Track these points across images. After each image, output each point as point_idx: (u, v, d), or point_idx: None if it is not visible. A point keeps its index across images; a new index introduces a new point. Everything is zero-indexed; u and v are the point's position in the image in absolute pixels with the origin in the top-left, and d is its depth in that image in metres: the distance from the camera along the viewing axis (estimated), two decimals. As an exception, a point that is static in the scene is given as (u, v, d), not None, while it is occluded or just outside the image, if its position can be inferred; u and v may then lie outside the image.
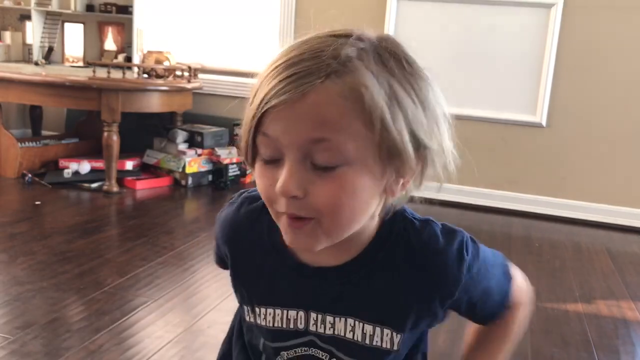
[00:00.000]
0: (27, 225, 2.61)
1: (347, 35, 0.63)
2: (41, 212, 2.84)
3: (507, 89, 3.30)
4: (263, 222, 0.74)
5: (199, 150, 3.45)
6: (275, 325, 0.75)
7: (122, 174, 3.30)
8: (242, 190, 0.80)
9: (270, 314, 0.75)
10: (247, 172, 3.50)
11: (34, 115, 3.92)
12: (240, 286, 0.78)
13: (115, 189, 3.16)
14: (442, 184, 0.69)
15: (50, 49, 3.88)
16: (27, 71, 3.32)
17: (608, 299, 2.26)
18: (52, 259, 2.22)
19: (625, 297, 2.28)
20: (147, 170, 3.48)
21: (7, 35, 3.88)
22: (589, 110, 3.22)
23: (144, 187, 3.30)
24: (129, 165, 3.41)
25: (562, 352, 1.80)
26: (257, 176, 0.65)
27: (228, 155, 3.46)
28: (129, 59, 3.68)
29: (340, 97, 0.59)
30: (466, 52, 3.31)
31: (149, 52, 3.52)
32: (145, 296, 1.95)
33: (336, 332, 0.72)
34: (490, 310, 0.79)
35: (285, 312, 0.74)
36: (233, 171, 3.47)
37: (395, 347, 0.72)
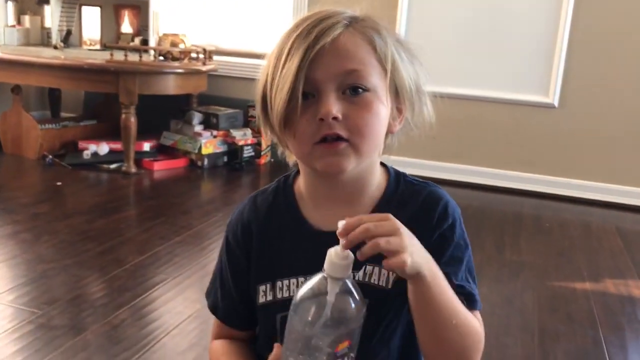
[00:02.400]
0: (49, 206, 2.70)
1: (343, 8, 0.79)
2: (62, 193, 2.92)
3: (519, 70, 3.32)
4: (280, 202, 0.86)
5: (215, 132, 3.52)
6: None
7: (140, 155, 3.37)
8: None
9: (293, 284, 0.82)
10: (262, 153, 3.56)
11: (53, 98, 4.00)
12: (265, 267, 0.84)
13: (133, 169, 3.23)
14: (428, 120, 0.84)
15: (69, 33, 3.94)
16: (46, 54, 3.39)
17: (615, 277, 2.30)
18: (75, 238, 2.30)
19: (633, 276, 2.32)
20: (164, 151, 3.55)
21: (26, 19, 3.95)
22: (601, 91, 3.23)
23: (161, 168, 3.37)
24: (147, 146, 3.48)
25: (567, 329, 1.86)
26: (299, 117, 0.74)
27: (243, 137, 3.52)
28: (145, 41, 3.73)
29: (362, 39, 0.76)
30: (478, 32, 3.33)
31: (165, 35, 3.57)
32: (165, 274, 2.02)
33: (365, 280, 0.80)
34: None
35: (307, 279, 0.78)
36: (248, 152, 3.53)
37: (389, 286, 0.79)
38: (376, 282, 0.80)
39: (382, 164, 0.86)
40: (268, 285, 0.84)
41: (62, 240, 2.27)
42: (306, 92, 0.74)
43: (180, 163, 3.47)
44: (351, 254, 0.68)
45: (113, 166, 3.30)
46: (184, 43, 3.54)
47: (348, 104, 0.74)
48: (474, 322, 0.78)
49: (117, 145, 3.36)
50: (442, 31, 3.36)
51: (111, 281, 1.96)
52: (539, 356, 1.67)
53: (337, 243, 0.72)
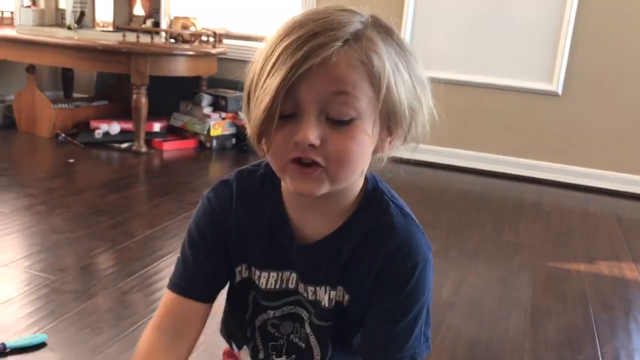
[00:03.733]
0: (62, 181, 2.79)
1: (346, 10, 0.72)
2: (75, 169, 3.01)
3: (523, 57, 3.36)
4: (266, 192, 0.83)
5: (223, 114, 3.59)
6: (270, 287, 0.84)
7: (150, 135, 3.45)
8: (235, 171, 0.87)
9: (265, 277, 0.84)
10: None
11: (66, 78, 4.08)
12: (242, 249, 0.84)
13: (143, 149, 3.31)
14: (419, 144, 0.79)
15: (82, 14, 4.01)
16: (60, 35, 3.47)
17: (610, 260, 2.37)
18: (87, 211, 2.39)
19: (628, 259, 2.38)
20: (173, 132, 3.63)
21: (41, 1, 4.02)
22: (605, 79, 3.27)
23: (171, 148, 3.45)
24: (157, 127, 3.56)
25: (559, 306, 1.92)
26: (273, 133, 0.70)
27: (251, 119, 3.59)
28: (156, 24, 3.79)
29: (356, 60, 0.68)
30: (483, 19, 3.37)
31: (176, 18, 3.64)
32: (174, 246, 2.10)
33: (317, 298, 0.83)
34: (387, 342, 0.79)
35: (281, 273, 0.84)
36: (256, 134, 3.60)
37: (345, 304, 0.82)
38: (321, 302, 0.82)
39: None
40: (244, 266, 0.85)
41: (75, 213, 2.36)
42: (285, 111, 0.69)
43: (189, 144, 3.54)
44: None
45: (124, 145, 3.38)
46: (195, 26, 3.61)
47: (329, 130, 0.70)
48: None
49: (128, 125, 3.44)
50: (448, 18, 3.41)
51: (122, 252, 2.04)
52: (529, 330, 1.74)
53: (309, 251, 0.78)
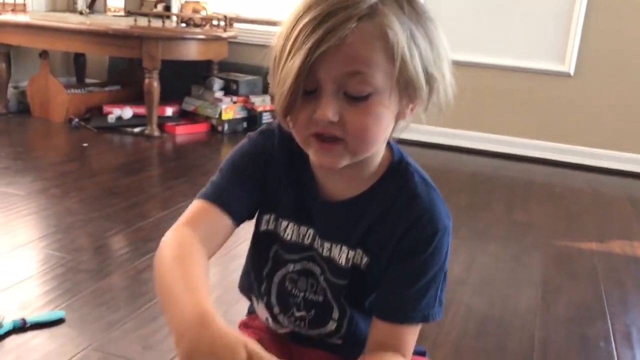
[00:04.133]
0: (76, 165, 2.82)
1: None
2: (88, 153, 3.04)
3: (535, 38, 3.35)
4: (294, 153, 0.85)
5: (234, 98, 3.61)
6: (292, 239, 0.88)
7: (163, 119, 3.47)
8: (267, 124, 0.91)
9: (288, 227, 0.88)
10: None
11: (78, 64, 4.11)
12: (274, 197, 0.88)
13: (156, 133, 3.34)
14: (443, 110, 0.80)
15: None
16: (72, 20, 3.49)
17: (622, 239, 2.37)
18: (101, 194, 2.42)
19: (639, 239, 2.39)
20: (185, 116, 3.65)
21: (53, -14, 4.05)
22: (617, 59, 3.25)
23: (183, 132, 3.48)
24: (169, 111, 3.58)
25: (570, 283, 1.93)
26: (297, 110, 0.74)
27: (262, 103, 3.61)
28: (167, 8, 3.81)
29: (371, 36, 0.71)
30: None
31: (187, 2, 3.65)
32: (186, 227, 2.13)
33: (331, 255, 0.86)
34: (401, 302, 0.82)
35: (300, 227, 0.87)
36: (266, 118, 3.62)
37: (362, 267, 0.85)
38: (335, 259, 0.85)
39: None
40: (272, 216, 0.89)
41: (90, 196, 2.39)
42: (307, 88, 0.73)
43: (201, 128, 3.57)
44: None
45: (137, 130, 3.41)
46: (205, 10, 3.62)
47: (348, 106, 0.73)
48: None
49: (141, 110, 3.47)
50: (460, -1, 3.40)
51: (136, 232, 2.07)
52: (540, 306, 1.76)
53: (330, 210, 0.80)
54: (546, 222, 2.51)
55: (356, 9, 0.70)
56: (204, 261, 0.76)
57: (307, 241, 0.87)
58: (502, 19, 3.36)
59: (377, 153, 0.82)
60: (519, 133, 3.45)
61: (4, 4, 3.58)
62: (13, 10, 3.62)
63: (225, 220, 0.82)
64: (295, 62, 0.70)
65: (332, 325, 0.88)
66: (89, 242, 1.98)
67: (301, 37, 0.70)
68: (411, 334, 0.83)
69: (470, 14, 3.39)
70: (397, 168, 0.84)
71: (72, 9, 4.06)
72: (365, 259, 0.84)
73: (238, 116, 3.60)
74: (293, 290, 0.89)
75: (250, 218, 0.90)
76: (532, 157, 3.43)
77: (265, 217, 0.89)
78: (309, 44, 0.69)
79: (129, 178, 2.66)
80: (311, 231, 0.87)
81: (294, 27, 0.72)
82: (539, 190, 2.96)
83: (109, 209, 2.26)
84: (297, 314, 0.89)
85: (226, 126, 3.54)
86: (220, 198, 0.83)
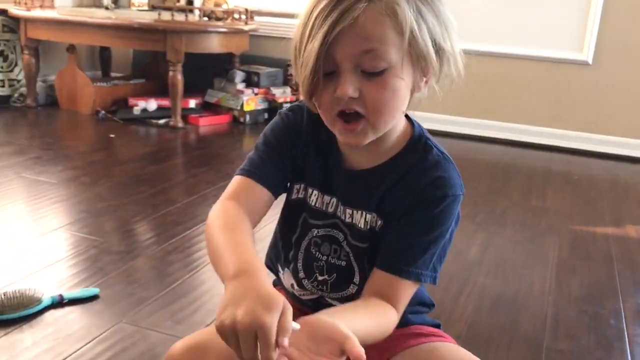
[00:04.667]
0: (104, 154, 2.92)
1: None
2: (115, 144, 3.14)
3: (553, 27, 3.37)
4: (323, 125, 0.90)
5: (256, 90, 3.68)
6: (317, 205, 0.95)
7: (186, 111, 3.57)
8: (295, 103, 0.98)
9: (315, 195, 0.95)
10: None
11: (104, 57, 4.22)
12: (303, 167, 0.95)
13: (180, 124, 3.43)
14: (454, 81, 0.87)
15: (118, -5, 4.13)
16: (98, 15, 3.58)
17: (637, 224, 2.40)
18: (129, 181, 2.51)
19: (655, 224, 2.42)
20: (208, 108, 3.74)
21: (78, -17, 4.15)
22: (636, 47, 3.26)
23: (206, 123, 3.56)
24: (192, 103, 3.67)
25: (583, 264, 1.98)
26: (320, 91, 0.81)
27: (282, 94, 3.68)
28: (190, 2, 3.90)
29: (381, 14, 0.76)
30: (513, -9, 3.39)
31: (209, -4, 3.73)
32: (211, 212, 2.21)
33: (353, 221, 0.92)
34: (399, 253, 0.86)
35: (324, 196, 0.94)
36: (287, 109, 3.69)
37: (377, 229, 0.91)
38: (357, 224, 0.92)
39: (406, 116, 0.91)
40: (302, 186, 0.96)
41: (118, 183, 2.48)
42: (327, 69, 0.78)
43: (223, 119, 3.65)
44: None
45: (161, 121, 3.50)
46: (227, 3, 3.69)
47: (365, 81, 0.79)
48: (387, 322, 0.84)
49: (165, 102, 3.56)
50: (477, -10, 3.43)
51: (164, 217, 2.16)
52: (553, 286, 1.81)
53: (353, 178, 0.88)
54: (563, 207, 2.55)
55: None
56: (248, 229, 0.84)
57: (330, 209, 0.94)
58: (522, 9, 3.39)
59: (396, 126, 0.88)
60: (537, 121, 3.48)
61: (32, 0, 3.69)
62: (41, 6, 3.73)
63: (264, 192, 0.90)
64: (314, 45, 0.77)
65: (352, 289, 0.94)
66: (119, 226, 2.07)
67: (318, 22, 0.76)
68: (404, 289, 0.86)
69: (489, 3, 3.42)
70: (418, 142, 0.90)
71: (98, 4, 4.16)
72: (379, 222, 0.90)
73: (259, 107, 3.68)
74: (317, 254, 0.96)
75: (285, 188, 0.97)
76: (551, 145, 3.46)
77: (297, 186, 0.96)
78: (325, 28, 0.75)
79: (155, 166, 2.76)
80: (334, 200, 0.94)
81: (310, 14, 0.78)
82: (557, 177, 3.00)
83: (137, 196, 2.35)
84: (320, 277, 0.96)
85: (248, 117, 3.62)
86: (256, 172, 0.91)
